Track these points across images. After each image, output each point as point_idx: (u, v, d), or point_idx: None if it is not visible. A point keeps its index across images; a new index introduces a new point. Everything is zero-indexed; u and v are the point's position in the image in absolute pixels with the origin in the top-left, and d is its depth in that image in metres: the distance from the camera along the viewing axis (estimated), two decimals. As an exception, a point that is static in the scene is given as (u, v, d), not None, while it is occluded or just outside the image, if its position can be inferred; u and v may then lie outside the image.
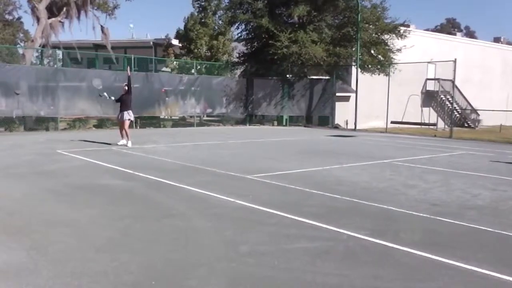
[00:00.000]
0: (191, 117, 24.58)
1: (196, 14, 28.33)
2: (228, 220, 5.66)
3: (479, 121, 34.06)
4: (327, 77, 26.20)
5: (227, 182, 8.19)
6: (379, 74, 24.60)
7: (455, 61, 20.64)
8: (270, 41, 23.30)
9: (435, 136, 21.52)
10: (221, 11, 28.57)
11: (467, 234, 5.36)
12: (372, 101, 26.48)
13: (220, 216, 5.83)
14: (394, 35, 24.50)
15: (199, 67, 25.33)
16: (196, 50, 26.93)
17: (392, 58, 24.61)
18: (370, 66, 24.62)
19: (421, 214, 6.14)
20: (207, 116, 26.61)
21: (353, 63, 25.00)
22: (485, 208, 6.67)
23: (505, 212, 6.50)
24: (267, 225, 5.48)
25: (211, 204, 6.46)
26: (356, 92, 24.58)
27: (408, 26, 27.08)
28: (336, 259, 4.38)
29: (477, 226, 5.63)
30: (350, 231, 5.22)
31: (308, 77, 26.33)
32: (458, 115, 32.91)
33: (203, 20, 27.66)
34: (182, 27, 28.44)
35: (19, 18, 33.97)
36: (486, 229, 5.51)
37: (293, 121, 26.80)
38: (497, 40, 45.11)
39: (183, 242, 4.81)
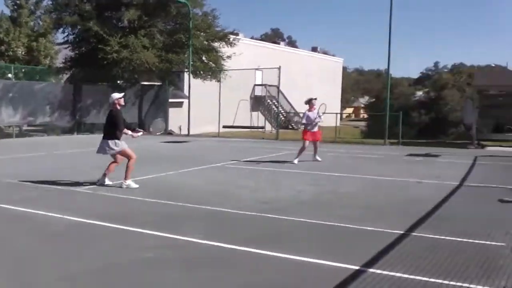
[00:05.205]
0: (9, 127, 22.21)
1: (4, 12, 25.61)
2: (58, 239, 5.29)
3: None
4: (159, 83, 26.06)
5: (54, 197, 7.62)
6: (211, 80, 25.30)
7: (279, 68, 22.26)
8: (99, 45, 22.31)
9: (263, 138, 22.88)
10: (42, 11, 26.41)
11: (294, 228, 5.84)
12: (205, 107, 27.09)
13: (49, 235, 5.41)
14: (224, 42, 25.45)
15: (16, 71, 23.01)
16: (11, 53, 24.35)
17: (222, 64, 25.51)
18: (202, 72, 25.18)
19: (253, 213, 6.50)
20: (29, 125, 24.31)
21: (185, 70, 25.29)
22: (309, 202, 7.34)
23: (325, 204, 7.24)
24: (100, 239, 5.26)
25: (38, 223, 5.95)
26: (189, 98, 24.90)
27: (237, 34, 28.37)
28: (174, 266, 4.40)
29: (302, 219, 6.15)
30: (186, 237, 5.28)
31: (140, 83, 25.87)
32: (283, 118, 35.46)
33: (18, 20, 25.14)
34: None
35: None
36: (309, 221, 6.06)
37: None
38: (314, 49, 49.92)
39: (9, 268, 4.35)
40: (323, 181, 9.45)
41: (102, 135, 8.38)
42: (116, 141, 8.16)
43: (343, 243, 5.20)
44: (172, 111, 26.48)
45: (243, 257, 4.67)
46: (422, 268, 4.26)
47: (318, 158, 12.54)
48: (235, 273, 4.25)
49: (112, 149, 8.17)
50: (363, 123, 38.60)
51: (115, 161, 8.46)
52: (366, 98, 67.13)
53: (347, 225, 5.83)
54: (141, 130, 9.20)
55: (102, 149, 8.28)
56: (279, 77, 22.72)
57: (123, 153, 8.29)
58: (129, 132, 8.44)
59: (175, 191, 8.07)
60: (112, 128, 8.18)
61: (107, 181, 8.39)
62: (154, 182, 9.02)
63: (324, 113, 12.73)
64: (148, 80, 26.06)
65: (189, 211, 6.62)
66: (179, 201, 7.18)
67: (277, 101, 30.76)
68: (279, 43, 51.85)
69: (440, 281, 3.97)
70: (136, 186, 8.25)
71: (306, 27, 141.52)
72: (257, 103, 35.01)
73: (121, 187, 8.14)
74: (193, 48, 24.06)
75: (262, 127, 28.22)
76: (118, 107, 8.40)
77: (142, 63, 22.79)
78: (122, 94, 8.79)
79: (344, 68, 63.40)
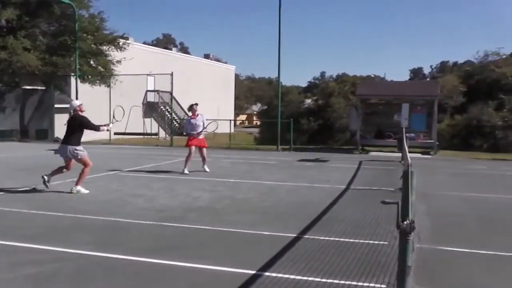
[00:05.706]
0: None
1: None
2: None
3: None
4: (44, 88, 24.48)
5: None
6: (100, 85, 24.31)
7: (172, 74, 22.05)
8: (-28, 45, 20.47)
9: (157, 145, 22.48)
10: None
11: (190, 235, 5.80)
12: (95, 113, 25.91)
13: None
14: (113, 46, 24.63)
15: None
16: None
17: (112, 69, 24.65)
18: (90, 77, 24.12)
19: (148, 222, 6.35)
20: None
21: (72, 74, 24.06)
22: (205, 209, 7.34)
23: (222, 210, 7.29)
24: (-22, 256, 4.80)
25: None
26: (77, 103, 23.71)
27: (127, 38, 27.59)
28: (67, 280, 4.15)
29: (198, 226, 6.14)
30: (78, 249, 5.01)
31: (22, 87, 24.10)
32: (177, 125, 35.10)
33: None
34: None
35: None
36: (206, 228, 6.06)
37: (6, 135, 24.06)
38: (207, 56, 50.12)
39: None
40: (220, 187, 9.52)
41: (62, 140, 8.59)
42: (79, 147, 8.42)
43: (240, 248, 5.28)
44: (58, 117, 24.94)
45: (141, 267, 4.53)
46: (314, 269, 4.46)
47: (206, 168, 11.90)
48: (134, 284, 4.12)
49: (76, 154, 8.35)
50: (256, 130, 39.50)
51: (66, 167, 8.58)
52: (259, 105, 68.85)
53: (244, 231, 5.92)
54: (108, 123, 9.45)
55: (64, 152, 8.36)
56: (171, 83, 22.52)
57: (83, 159, 8.47)
58: (103, 126, 8.79)
59: (65, 202, 7.62)
60: (77, 133, 8.40)
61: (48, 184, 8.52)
62: (42, 193, 8.43)
63: (215, 125, 12.65)
64: (31, 84, 24.36)
65: (79, 223, 6.28)
66: (68, 212, 6.79)
67: (171, 108, 30.42)
68: (171, 49, 51.36)
69: (331, 280, 4.19)
70: (87, 191, 8.42)
71: (198, 33, 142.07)
72: (150, 109, 34.26)
73: (71, 192, 8.33)
74: (80, 51, 22.96)
75: (156, 134, 27.71)
76: (80, 114, 8.56)
77: (23, 66, 21.29)
78: (81, 101, 8.98)
79: (237, 76, 64.47)
